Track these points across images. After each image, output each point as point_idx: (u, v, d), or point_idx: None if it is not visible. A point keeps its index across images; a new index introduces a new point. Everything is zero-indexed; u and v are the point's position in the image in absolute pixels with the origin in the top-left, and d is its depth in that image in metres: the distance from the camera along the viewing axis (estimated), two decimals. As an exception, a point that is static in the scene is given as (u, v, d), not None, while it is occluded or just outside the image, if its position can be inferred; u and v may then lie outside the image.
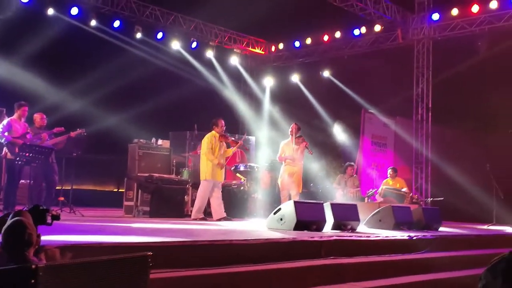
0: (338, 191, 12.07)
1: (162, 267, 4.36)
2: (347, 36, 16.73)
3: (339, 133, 15.45)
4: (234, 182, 11.40)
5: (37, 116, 9.65)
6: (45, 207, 3.63)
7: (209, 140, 9.79)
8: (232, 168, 11.45)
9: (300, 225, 6.96)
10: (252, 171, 11.45)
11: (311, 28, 17.03)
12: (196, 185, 10.91)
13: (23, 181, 9.58)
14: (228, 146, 10.16)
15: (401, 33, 15.72)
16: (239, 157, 12.08)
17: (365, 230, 8.15)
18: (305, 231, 6.89)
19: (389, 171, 12.56)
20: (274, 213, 7.25)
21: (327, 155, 14.28)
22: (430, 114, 15.40)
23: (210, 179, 9.67)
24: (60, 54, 13.86)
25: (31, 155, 8.14)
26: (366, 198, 12.07)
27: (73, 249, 4.18)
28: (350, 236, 6.63)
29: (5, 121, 8.63)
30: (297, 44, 17.67)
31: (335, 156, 15.00)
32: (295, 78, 17.76)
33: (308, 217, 7.12)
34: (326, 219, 7.35)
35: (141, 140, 10.47)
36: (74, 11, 13.88)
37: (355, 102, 16.01)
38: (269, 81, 18.06)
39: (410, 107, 15.56)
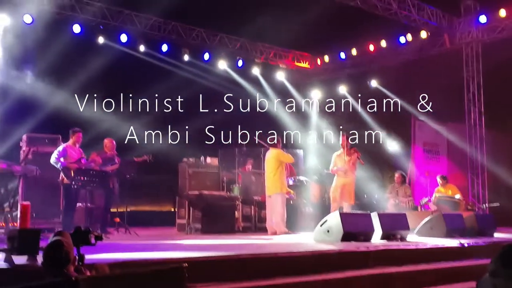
0: (390, 201, 11.94)
1: (208, 281, 4.50)
2: (392, 44, 16.57)
3: (391, 143, 15.26)
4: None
5: (107, 142, 10.04)
6: (88, 228, 3.84)
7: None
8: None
9: (347, 236, 6.97)
10: (301, 185, 11.49)
11: (356, 38, 16.96)
12: (246, 201, 11.07)
13: (80, 204, 9.96)
14: None
15: (448, 38, 15.44)
16: (288, 171, 12.10)
17: (416, 239, 8.05)
18: (353, 242, 6.89)
19: (439, 179, 12.30)
20: (321, 225, 7.28)
21: (380, 165, 14.15)
22: (483, 118, 15.02)
23: (285, 192, 9.92)
24: (111, 80, 14.30)
25: (86, 178, 8.48)
26: (419, 207, 11.87)
27: (121, 265, 4.37)
28: (397, 246, 6.59)
29: (60, 147, 9.02)
30: (342, 55, 17.64)
31: (388, 167, 14.83)
32: (343, 89, 17.72)
33: (355, 228, 7.13)
34: (375, 229, 7.32)
35: (190, 158, 10.70)
36: (124, 38, 14.38)
37: (404, 110, 15.82)
38: (316, 94, 18.08)
39: (462, 113, 15.23)
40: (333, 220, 7.12)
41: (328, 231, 7.11)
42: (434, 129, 15.03)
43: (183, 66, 15.46)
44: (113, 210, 10.31)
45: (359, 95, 17.38)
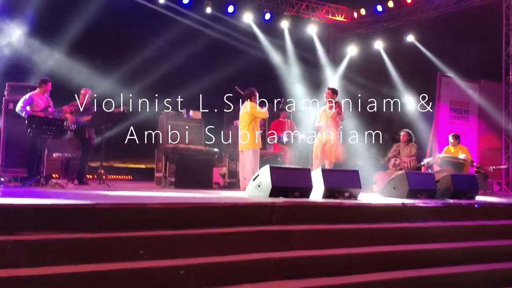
0: (391, 161, 11.13)
1: (59, 229, 4.31)
2: (430, -5, 15.38)
3: (412, 102, 14.23)
4: (270, 152, 10.97)
5: (82, 91, 9.91)
6: None
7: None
8: (276, 139, 11.03)
9: (276, 192, 6.43)
10: (295, 142, 10.92)
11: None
12: (232, 157, 10.69)
13: (59, 154, 10.00)
14: None
15: (488, -12, 14.07)
16: (288, 127, 11.54)
17: (375, 198, 7.36)
18: (281, 198, 6.35)
19: (450, 138, 11.31)
20: (253, 180, 6.79)
21: (397, 127, 13.32)
22: (522, 76, 13.62)
23: (258, 147, 9.26)
24: (127, 33, 14.15)
25: (41, 127, 8.37)
26: (422, 167, 10.95)
27: None
28: (308, 203, 6.00)
29: (26, 96, 8.95)
30: (379, 8, 16.57)
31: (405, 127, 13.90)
32: (379, 45, 16.77)
33: (287, 183, 6.57)
34: (313, 185, 6.72)
35: (171, 111, 10.39)
36: (142, -13, 14.09)
37: (438, 67, 14.72)
38: (352, 50, 17.24)
39: (499, 70, 13.89)
40: (264, 174, 6.60)
41: (259, 185, 6.62)
42: (464, 86, 13.80)
43: (205, 20, 15.00)
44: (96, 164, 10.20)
45: (395, 51, 16.44)
